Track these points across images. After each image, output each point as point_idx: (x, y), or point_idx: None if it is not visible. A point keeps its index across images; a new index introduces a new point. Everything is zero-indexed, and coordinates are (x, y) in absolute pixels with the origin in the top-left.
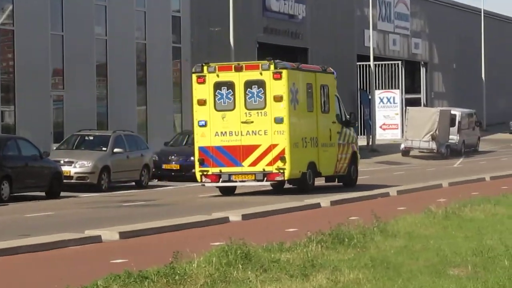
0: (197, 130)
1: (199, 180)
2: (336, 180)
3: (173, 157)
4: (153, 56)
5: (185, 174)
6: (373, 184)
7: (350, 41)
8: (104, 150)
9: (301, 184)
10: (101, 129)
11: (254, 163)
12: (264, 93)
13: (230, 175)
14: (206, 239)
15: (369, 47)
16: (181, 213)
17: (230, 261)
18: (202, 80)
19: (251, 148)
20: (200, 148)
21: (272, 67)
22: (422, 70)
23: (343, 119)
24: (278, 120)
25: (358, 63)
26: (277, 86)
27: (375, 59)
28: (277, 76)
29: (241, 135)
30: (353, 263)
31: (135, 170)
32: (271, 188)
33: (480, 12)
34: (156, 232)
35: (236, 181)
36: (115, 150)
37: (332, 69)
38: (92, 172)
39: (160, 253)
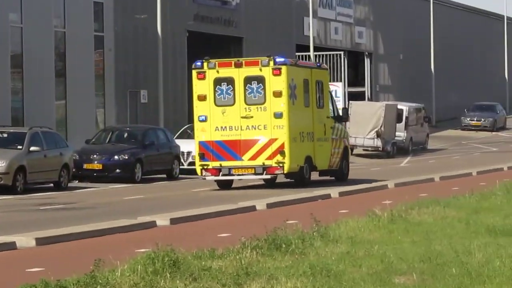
0: (197, 125)
1: (199, 174)
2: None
3: (95, 156)
4: (74, 46)
5: (109, 175)
6: (364, 179)
7: (288, 30)
8: (20, 149)
9: (299, 178)
10: (16, 125)
11: (254, 157)
12: (264, 88)
13: (230, 169)
14: (131, 246)
15: (308, 36)
16: (103, 217)
17: (157, 269)
18: (202, 76)
19: (251, 143)
20: (201, 143)
21: (271, 63)
22: (367, 61)
23: (336, 114)
24: (278, 115)
25: (297, 54)
26: (277, 82)
27: (316, 49)
28: (276, 72)
29: (241, 129)
30: (291, 271)
31: (54, 170)
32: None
33: None
34: (76, 238)
35: (236, 175)
36: (32, 148)
37: (325, 66)
38: (6, 173)
39: (80, 261)
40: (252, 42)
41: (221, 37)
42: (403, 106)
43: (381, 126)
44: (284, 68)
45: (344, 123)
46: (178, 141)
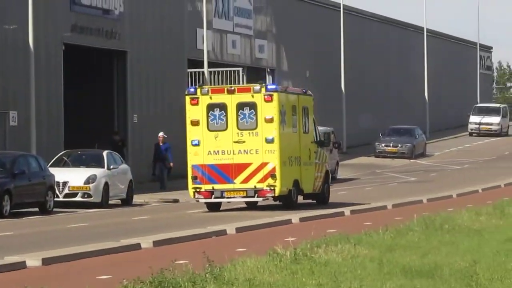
0: (190, 149)
1: (192, 197)
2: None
3: None
4: None
5: None
6: (340, 202)
7: (179, 43)
8: None
9: (287, 201)
10: None
11: (245, 180)
12: (256, 114)
13: (222, 191)
14: None
15: (202, 50)
16: None
17: None
18: (195, 102)
19: (243, 166)
20: (193, 166)
21: (263, 90)
22: (268, 79)
23: (318, 139)
24: (269, 140)
25: (189, 70)
26: (268, 108)
27: (211, 65)
28: (268, 98)
29: (233, 154)
30: None
31: None
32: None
33: (340, 8)
34: None
35: (228, 197)
36: None
37: (310, 92)
38: None
39: None
40: (137, 57)
41: (103, 50)
42: None
43: None
44: (275, 95)
45: (325, 147)
46: (53, 170)
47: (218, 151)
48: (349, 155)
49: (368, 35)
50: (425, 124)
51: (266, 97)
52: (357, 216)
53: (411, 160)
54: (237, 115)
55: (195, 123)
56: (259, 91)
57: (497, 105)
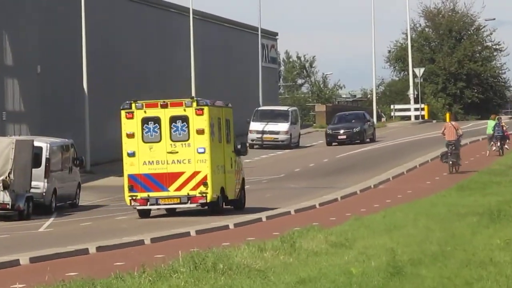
0: (126, 160)
1: (128, 204)
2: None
3: None
4: None
5: None
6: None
7: None
8: None
9: (214, 207)
10: None
11: (179, 188)
12: (188, 127)
13: (157, 199)
14: None
15: None
16: None
17: None
18: (130, 116)
19: (176, 175)
20: (130, 176)
21: (194, 104)
22: None
23: (236, 148)
24: (200, 151)
25: None
26: (199, 121)
27: None
28: (199, 112)
29: (167, 163)
30: None
31: None
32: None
33: None
34: None
35: (163, 204)
36: None
37: (230, 104)
38: None
39: None
40: None
41: None
42: (43, 143)
43: (9, 173)
44: (206, 109)
45: (241, 156)
46: None
47: (152, 161)
48: (95, 174)
49: (120, 18)
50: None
51: (197, 110)
52: (104, 254)
53: None
54: (170, 128)
55: (131, 135)
56: (190, 105)
57: (285, 108)
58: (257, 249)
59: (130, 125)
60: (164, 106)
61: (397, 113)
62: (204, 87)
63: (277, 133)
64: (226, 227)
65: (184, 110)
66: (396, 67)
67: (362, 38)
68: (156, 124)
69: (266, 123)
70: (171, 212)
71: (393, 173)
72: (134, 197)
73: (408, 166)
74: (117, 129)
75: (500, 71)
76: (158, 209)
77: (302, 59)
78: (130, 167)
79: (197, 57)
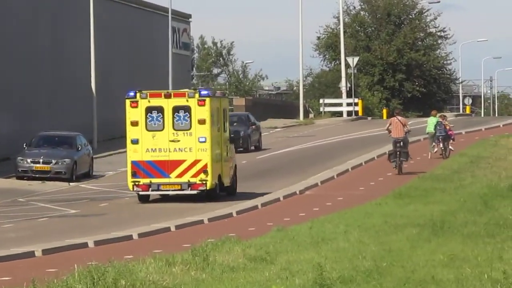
0: (129, 147)
1: (131, 189)
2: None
3: None
4: None
5: None
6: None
7: None
8: None
9: (212, 193)
10: None
11: (180, 175)
12: (190, 116)
13: (159, 185)
14: None
15: None
16: None
17: None
18: (135, 105)
19: (178, 163)
20: (133, 162)
21: (197, 95)
22: None
23: (230, 136)
24: (202, 140)
25: None
26: (201, 111)
27: None
28: (201, 103)
29: (169, 151)
30: None
31: None
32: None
33: None
34: None
35: (164, 190)
36: None
37: (227, 95)
38: None
39: None
40: None
41: None
42: None
43: None
44: (207, 100)
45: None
46: None
47: (155, 149)
48: None
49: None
50: (92, 130)
51: (199, 101)
52: None
53: (72, 184)
54: (173, 117)
55: (135, 123)
56: (193, 96)
57: None
58: (165, 263)
59: (134, 113)
60: (168, 96)
61: (327, 109)
62: (106, 75)
63: None
64: (129, 237)
65: (187, 100)
66: (327, 56)
67: (288, 22)
68: (160, 113)
69: None
70: (165, 198)
71: (321, 178)
72: (136, 183)
73: (339, 170)
74: (3, 124)
75: (445, 62)
76: (160, 195)
77: (219, 45)
78: (134, 153)
79: (98, 41)
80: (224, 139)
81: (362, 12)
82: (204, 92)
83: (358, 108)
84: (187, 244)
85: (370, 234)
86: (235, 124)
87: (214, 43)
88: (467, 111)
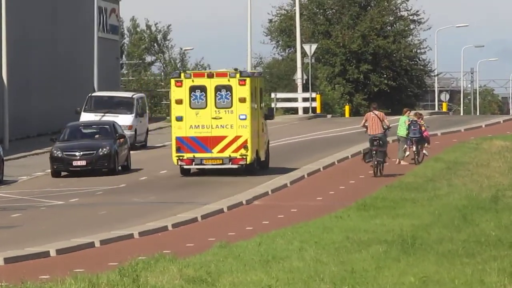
0: (174, 124)
1: (175, 163)
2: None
3: None
4: None
5: None
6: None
7: None
8: None
9: (250, 167)
10: None
11: (221, 150)
12: (231, 95)
13: (202, 159)
14: None
15: None
16: None
17: None
18: (180, 84)
19: (220, 139)
20: (177, 138)
21: (238, 75)
22: None
23: (265, 113)
24: (242, 117)
25: None
26: (242, 90)
27: None
28: (242, 82)
29: (212, 128)
30: None
31: None
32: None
33: None
34: None
35: (207, 165)
36: None
37: (262, 74)
38: None
39: None
40: None
41: None
42: None
43: None
44: (248, 80)
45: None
46: None
47: (198, 126)
48: None
49: None
50: (3, 127)
51: (240, 81)
52: None
53: None
54: (215, 96)
55: (179, 101)
56: (234, 76)
57: (129, 94)
58: (88, 284)
59: (179, 92)
60: (211, 76)
61: (280, 104)
62: (20, 62)
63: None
64: (46, 254)
65: (228, 80)
66: (280, 42)
67: (234, 2)
68: (203, 92)
69: (102, 114)
70: (203, 172)
71: (272, 185)
72: (181, 157)
73: (293, 176)
74: None
75: (418, 51)
76: (202, 168)
77: (153, 28)
78: (178, 130)
79: (10, 23)
80: (260, 116)
81: None
82: (244, 73)
83: (316, 104)
84: (114, 262)
85: (329, 252)
86: (96, 136)
87: (148, 26)
88: (444, 109)
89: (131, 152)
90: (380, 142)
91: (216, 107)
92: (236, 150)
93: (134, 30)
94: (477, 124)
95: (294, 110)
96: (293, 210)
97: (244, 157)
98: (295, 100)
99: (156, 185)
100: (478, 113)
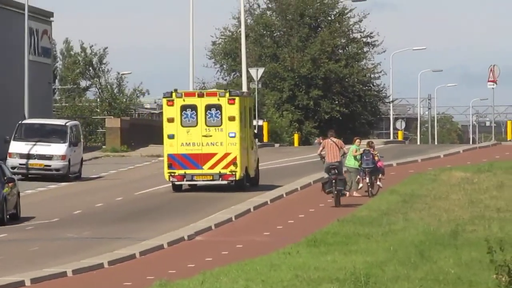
0: (166, 141)
1: (167, 180)
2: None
3: None
4: None
5: None
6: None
7: None
8: None
9: (240, 183)
10: None
11: (212, 167)
12: (221, 114)
13: (193, 175)
14: None
15: None
16: None
17: None
18: (171, 103)
19: (210, 156)
20: (169, 155)
21: (227, 94)
22: None
23: (254, 132)
24: (232, 135)
25: None
26: (231, 109)
27: None
28: (231, 101)
29: (202, 145)
30: None
31: None
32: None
33: None
34: None
35: (197, 180)
36: None
37: (252, 95)
38: None
39: None
40: None
41: None
42: None
43: None
44: (237, 99)
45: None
46: None
47: (189, 143)
48: None
49: None
50: None
51: (229, 100)
52: None
53: None
54: (206, 114)
55: (171, 120)
56: (223, 96)
57: (62, 122)
58: None
59: (170, 111)
60: (201, 95)
61: None
62: None
63: (50, 158)
64: None
65: (218, 99)
66: (224, 66)
67: (176, 23)
68: (193, 111)
69: (33, 143)
70: (193, 188)
71: (216, 219)
72: (172, 174)
73: (238, 210)
74: None
75: (372, 75)
76: (194, 184)
77: (89, 51)
78: (170, 147)
79: None
80: (250, 135)
81: (268, 12)
82: (234, 92)
83: (263, 133)
84: None
85: None
86: None
87: (83, 49)
88: (400, 138)
89: (64, 184)
90: (338, 170)
91: (207, 125)
92: (226, 167)
93: (67, 53)
94: (435, 154)
95: None
96: (238, 246)
97: (234, 173)
98: None
99: (92, 219)
100: (436, 142)
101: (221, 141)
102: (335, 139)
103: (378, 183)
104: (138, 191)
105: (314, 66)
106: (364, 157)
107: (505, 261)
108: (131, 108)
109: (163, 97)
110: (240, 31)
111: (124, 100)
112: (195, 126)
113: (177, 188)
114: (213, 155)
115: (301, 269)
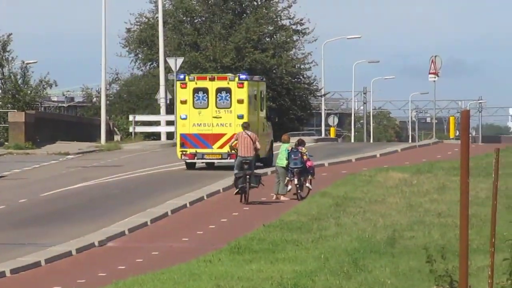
0: (179, 122)
1: (179, 158)
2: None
3: None
4: None
5: None
6: None
7: None
8: None
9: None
10: None
11: (221, 146)
12: (230, 97)
13: (203, 154)
14: None
15: None
16: None
17: None
18: (184, 86)
19: (219, 136)
20: (182, 135)
21: (236, 79)
22: None
23: (267, 115)
24: (240, 116)
25: None
26: (240, 92)
27: None
28: (240, 85)
29: (212, 126)
30: None
31: None
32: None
33: None
34: None
35: (207, 159)
36: None
37: (264, 79)
38: None
39: None
40: None
41: None
42: None
43: None
44: (246, 83)
45: (270, 122)
46: None
47: (200, 124)
48: None
49: None
50: None
51: (238, 84)
52: None
53: None
54: (216, 97)
55: (184, 102)
56: (233, 80)
57: None
58: None
59: (183, 93)
60: (212, 79)
61: (140, 129)
62: None
63: None
64: None
65: (228, 83)
66: (140, 56)
67: (88, 8)
68: (205, 94)
69: None
70: (209, 166)
71: (130, 224)
72: (184, 152)
73: (155, 213)
74: None
75: (302, 66)
76: (202, 162)
77: None
78: (182, 127)
79: None
80: (260, 117)
81: None
82: (243, 77)
83: None
84: None
85: None
86: None
87: None
88: (332, 135)
89: None
90: (249, 166)
91: (217, 107)
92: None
93: None
94: (371, 153)
95: (156, 136)
96: (154, 253)
97: None
98: (157, 123)
99: None
100: (372, 140)
101: (230, 122)
102: (250, 133)
103: (307, 184)
104: (44, 192)
105: (239, 56)
106: (292, 156)
107: (447, 270)
108: (37, 101)
109: (177, 80)
110: (157, 17)
111: (29, 92)
112: (206, 108)
113: (190, 166)
114: (223, 135)
115: (223, 279)
